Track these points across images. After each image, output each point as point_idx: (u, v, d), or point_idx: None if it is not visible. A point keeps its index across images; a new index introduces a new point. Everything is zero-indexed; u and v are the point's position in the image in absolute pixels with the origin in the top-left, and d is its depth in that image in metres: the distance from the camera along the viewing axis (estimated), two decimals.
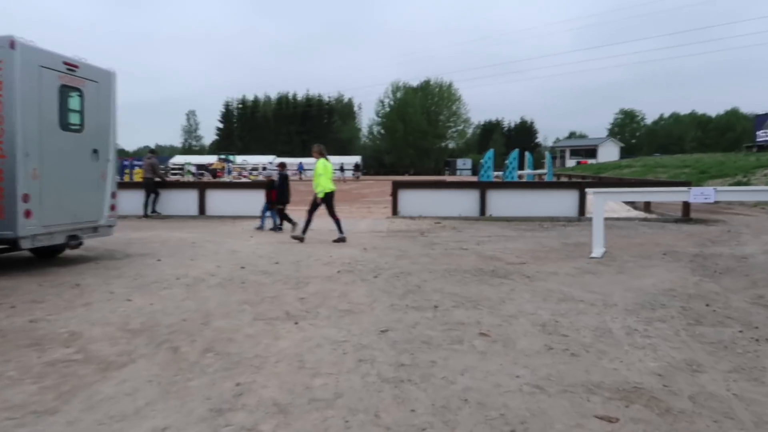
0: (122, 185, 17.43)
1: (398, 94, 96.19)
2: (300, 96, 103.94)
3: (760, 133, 49.59)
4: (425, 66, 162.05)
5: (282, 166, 14.04)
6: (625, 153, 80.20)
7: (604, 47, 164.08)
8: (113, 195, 9.19)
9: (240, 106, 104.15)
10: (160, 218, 16.14)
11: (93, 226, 8.84)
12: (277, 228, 13.28)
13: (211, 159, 72.65)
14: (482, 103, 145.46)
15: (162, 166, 32.10)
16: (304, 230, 11.23)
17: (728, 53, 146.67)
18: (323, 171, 10.96)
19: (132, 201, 16.43)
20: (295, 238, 11.22)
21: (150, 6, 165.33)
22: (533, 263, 8.57)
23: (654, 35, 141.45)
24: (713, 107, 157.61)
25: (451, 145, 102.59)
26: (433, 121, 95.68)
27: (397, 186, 15.99)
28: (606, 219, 10.34)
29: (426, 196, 15.80)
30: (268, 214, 13.55)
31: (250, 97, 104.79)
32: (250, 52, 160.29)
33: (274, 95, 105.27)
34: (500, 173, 21.65)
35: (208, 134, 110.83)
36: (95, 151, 8.80)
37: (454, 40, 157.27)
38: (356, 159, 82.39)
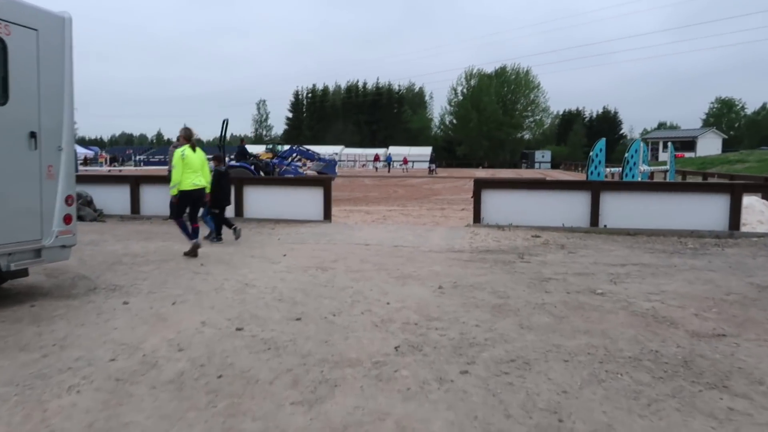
0: (147, 179, 14.78)
1: (472, 82, 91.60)
2: (370, 85, 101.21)
3: None
4: (501, 51, 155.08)
5: (218, 159, 10.81)
6: (725, 146, 72.15)
7: (697, 27, 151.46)
8: (68, 200, 6.18)
9: (309, 95, 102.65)
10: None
11: (31, 248, 5.85)
12: (214, 238, 10.28)
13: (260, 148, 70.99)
14: (561, 91, 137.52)
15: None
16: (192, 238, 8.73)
17: None
18: (179, 162, 8.56)
19: (158, 199, 13.71)
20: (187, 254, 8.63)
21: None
22: (742, 335, 4.84)
23: (754, 12, 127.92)
24: None
25: (527, 135, 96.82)
26: (509, 110, 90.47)
27: (480, 185, 12.39)
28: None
29: (518, 198, 12.13)
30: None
31: (321, 87, 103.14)
32: (322, 41, 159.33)
33: (343, 84, 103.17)
34: (611, 169, 17.21)
35: (278, 124, 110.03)
36: (32, 135, 5.79)
37: (531, 24, 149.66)
38: (427, 150, 78.78)
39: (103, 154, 67.06)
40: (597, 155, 15.83)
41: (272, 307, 5.69)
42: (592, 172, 14.73)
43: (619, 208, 11.67)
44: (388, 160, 62.21)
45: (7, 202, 5.55)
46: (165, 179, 13.70)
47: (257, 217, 13.29)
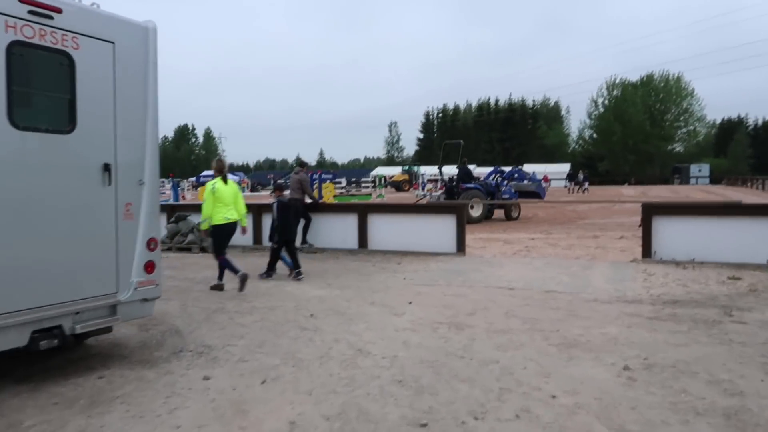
0: (269, 207, 14.05)
1: (615, 92, 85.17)
2: (502, 101, 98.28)
3: None
4: (645, 58, 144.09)
5: (280, 189, 9.85)
6: None
7: None
8: (150, 244, 5.13)
9: (440, 115, 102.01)
10: (312, 252, 12.31)
11: (105, 304, 4.84)
12: (265, 273, 9.30)
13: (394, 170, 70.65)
14: (719, 98, 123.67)
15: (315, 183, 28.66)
16: (220, 276, 8.32)
17: None
18: (210, 196, 8.07)
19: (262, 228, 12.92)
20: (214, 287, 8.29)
21: (363, 25, 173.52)
22: None
23: None
24: None
25: (678, 148, 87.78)
26: (657, 121, 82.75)
27: (651, 211, 10.00)
28: None
29: (704, 228, 9.58)
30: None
31: (451, 106, 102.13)
32: (450, 60, 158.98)
33: (474, 103, 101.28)
34: None
35: (410, 145, 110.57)
36: (106, 168, 4.80)
37: (678, 26, 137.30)
38: (565, 167, 74.10)
39: (246, 179, 70.96)
40: None
41: (388, 395, 4.12)
42: None
43: None
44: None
45: (73, 248, 4.57)
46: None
47: (382, 248, 11.95)
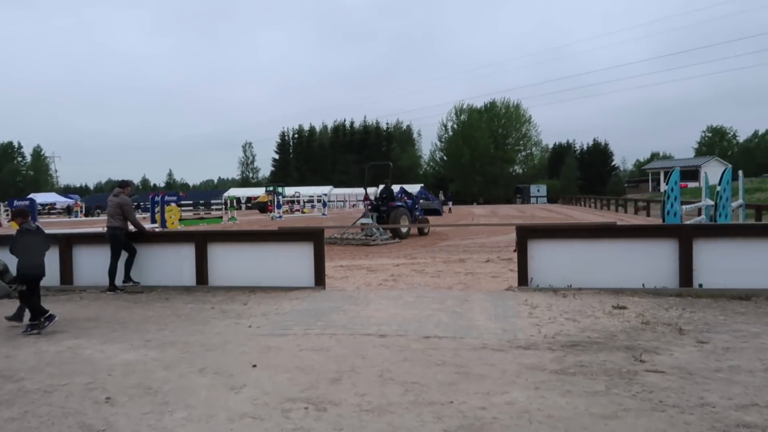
0: (79, 239, 11.37)
1: (462, 117, 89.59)
2: (357, 124, 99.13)
3: None
4: (490, 85, 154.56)
5: (21, 215, 7.43)
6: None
7: (682, 55, 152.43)
8: None
9: (296, 136, 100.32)
10: (136, 292, 9.95)
11: None
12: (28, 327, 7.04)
13: (261, 191, 67.78)
14: (551, 124, 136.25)
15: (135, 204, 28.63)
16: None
17: None
18: None
19: (93, 262, 10.37)
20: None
21: (213, 43, 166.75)
22: None
23: (739, 38, 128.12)
24: None
25: (518, 170, 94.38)
26: (500, 144, 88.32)
27: (526, 234, 9.16)
28: None
29: (580, 251, 8.91)
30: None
31: (307, 127, 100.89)
32: (308, 83, 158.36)
33: (330, 124, 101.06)
34: (685, 207, 13.89)
35: (265, 166, 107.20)
36: None
37: (519, 56, 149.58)
38: (417, 188, 75.88)
39: (79, 202, 63.37)
40: (725, 189, 12.22)
41: None
42: (668, 212, 11.45)
43: (720, 261, 8.50)
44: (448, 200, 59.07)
45: None
46: (103, 238, 10.42)
47: (226, 284, 9.96)
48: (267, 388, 4.74)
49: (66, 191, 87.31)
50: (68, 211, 57.84)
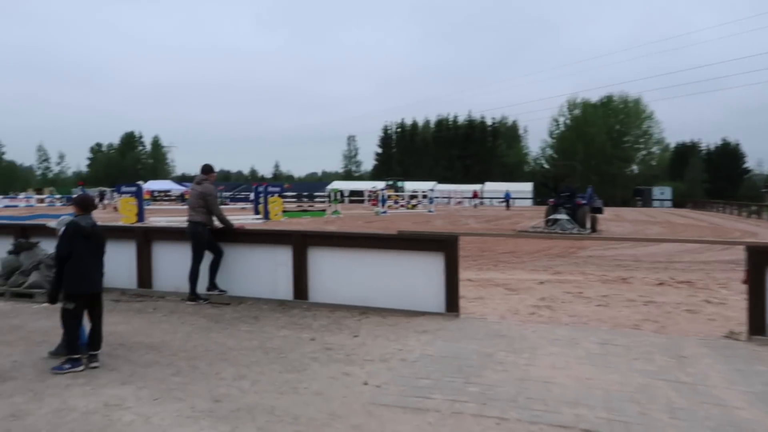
0: (160, 234, 9.62)
1: (576, 111, 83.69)
2: (461, 119, 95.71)
3: None
4: (602, 81, 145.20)
5: (83, 204, 5.57)
6: None
7: None
8: None
9: (398, 129, 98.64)
10: (222, 303, 8.01)
11: None
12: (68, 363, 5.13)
13: (364, 185, 66.69)
14: (670, 122, 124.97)
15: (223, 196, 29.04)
16: None
17: None
18: None
19: (175, 262, 8.54)
20: None
21: (318, 37, 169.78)
22: None
23: None
24: None
25: (637, 170, 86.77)
26: (618, 142, 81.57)
27: (762, 258, 6.18)
28: None
29: None
30: None
31: (409, 122, 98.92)
32: (411, 77, 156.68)
33: (433, 118, 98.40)
34: None
35: (368, 160, 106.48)
36: None
37: (634, 49, 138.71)
38: (527, 186, 71.66)
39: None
40: None
41: None
42: None
43: None
44: (507, 197, 56.13)
45: None
46: (182, 234, 8.59)
47: (329, 301, 7.78)
48: None
49: (182, 179, 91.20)
50: (182, 198, 59.61)
